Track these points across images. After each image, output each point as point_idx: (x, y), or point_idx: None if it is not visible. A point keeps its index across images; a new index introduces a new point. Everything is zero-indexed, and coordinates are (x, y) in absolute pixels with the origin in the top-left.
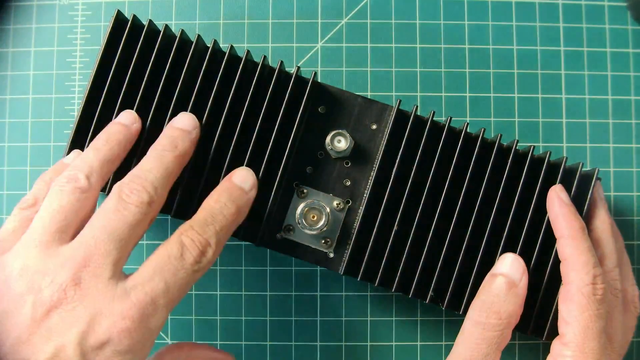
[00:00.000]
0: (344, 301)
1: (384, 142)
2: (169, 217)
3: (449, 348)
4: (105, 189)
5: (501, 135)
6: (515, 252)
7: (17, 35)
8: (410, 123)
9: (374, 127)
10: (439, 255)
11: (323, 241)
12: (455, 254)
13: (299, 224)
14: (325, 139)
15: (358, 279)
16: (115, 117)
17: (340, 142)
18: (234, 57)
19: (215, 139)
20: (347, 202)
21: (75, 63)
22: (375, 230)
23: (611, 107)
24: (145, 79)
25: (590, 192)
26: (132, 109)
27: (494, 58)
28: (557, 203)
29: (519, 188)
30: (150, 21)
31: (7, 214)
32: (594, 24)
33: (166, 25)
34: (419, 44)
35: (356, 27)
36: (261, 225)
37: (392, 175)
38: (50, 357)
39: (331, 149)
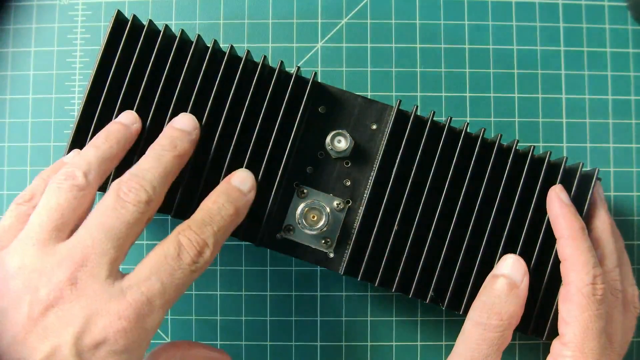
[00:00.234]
0: (344, 301)
1: (384, 142)
2: (169, 217)
3: (449, 348)
4: (106, 189)
5: (501, 135)
6: (516, 252)
7: (17, 35)
8: (410, 123)
9: (374, 127)
10: (439, 255)
11: (323, 241)
12: (456, 254)
13: (299, 224)
14: (325, 139)
15: (358, 279)
16: (116, 117)
17: (340, 142)
18: (234, 57)
19: (216, 139)
20: (347, 202)
21: (75, 63)
22: (375, 230)
23: (611, 107)
24: (145, 79)
25: (590, 192)
26: (132, 108)
27: (494, 58)
28: (557, 203)
29: (519, 188)
30: (150, 21)
31: None
32: (594, 24)
33: (166, 25)
34: (419, 44)
35: (356, 27)
36: (261, 226)
37: (392, 175)
38: (46, 357)
39: (331, 149)
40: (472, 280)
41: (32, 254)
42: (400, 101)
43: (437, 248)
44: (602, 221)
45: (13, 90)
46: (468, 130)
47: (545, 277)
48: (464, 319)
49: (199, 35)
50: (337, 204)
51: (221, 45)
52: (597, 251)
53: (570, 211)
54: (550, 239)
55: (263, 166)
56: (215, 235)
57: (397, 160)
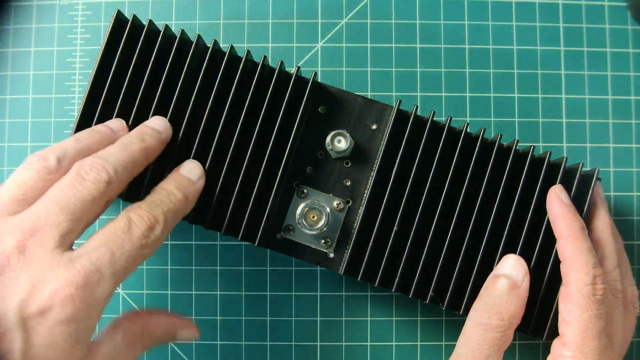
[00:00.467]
0: (344, 301)
1: (384, 142)
2: None
3: (449, 348)
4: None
5: (501, 135)
6: (516, 252)
7: (17, 35)
8: (410, 123)
9: (374, 127)
10: (439, 256)
11: (323, 241)
12: (456, 254)
13: (299, 224)
14: (325, 139)
15: (358, 279)
16: (116, 117)
17: (340, 142)
18: (234, 57)
19: (216, 139)
20: (347, 202)
21: (75, 63)
22: (375, 230)
23: (611, 107)
24: (145, 79)
25: (590, 192)
26: (132, 108)
27: (494, 58)
28: (557, 203)
29: (519, 188)
30: (150, 21)
31: None
32: (594, 24)
33: (166, 26)
34: (419, 44)
35: (356, 27)
36: (261, 225)
37: (392, 176)
38: None
39: (331, 149)
40: (472, 280)
41: None
42: (400, 101)
43: (437, 248)
44: (602, 221)
45: (13, 90)
46: (468, 130)
47: (545, 277)
48: (464, 319)
49: (199, 35)
50: (337, 204)
51: (221, 45)
52: (597, 251)
53: (570, 211)
54: (550, 239)
55: (263, 166)
56: (165, 215)
57: (397, 160)
